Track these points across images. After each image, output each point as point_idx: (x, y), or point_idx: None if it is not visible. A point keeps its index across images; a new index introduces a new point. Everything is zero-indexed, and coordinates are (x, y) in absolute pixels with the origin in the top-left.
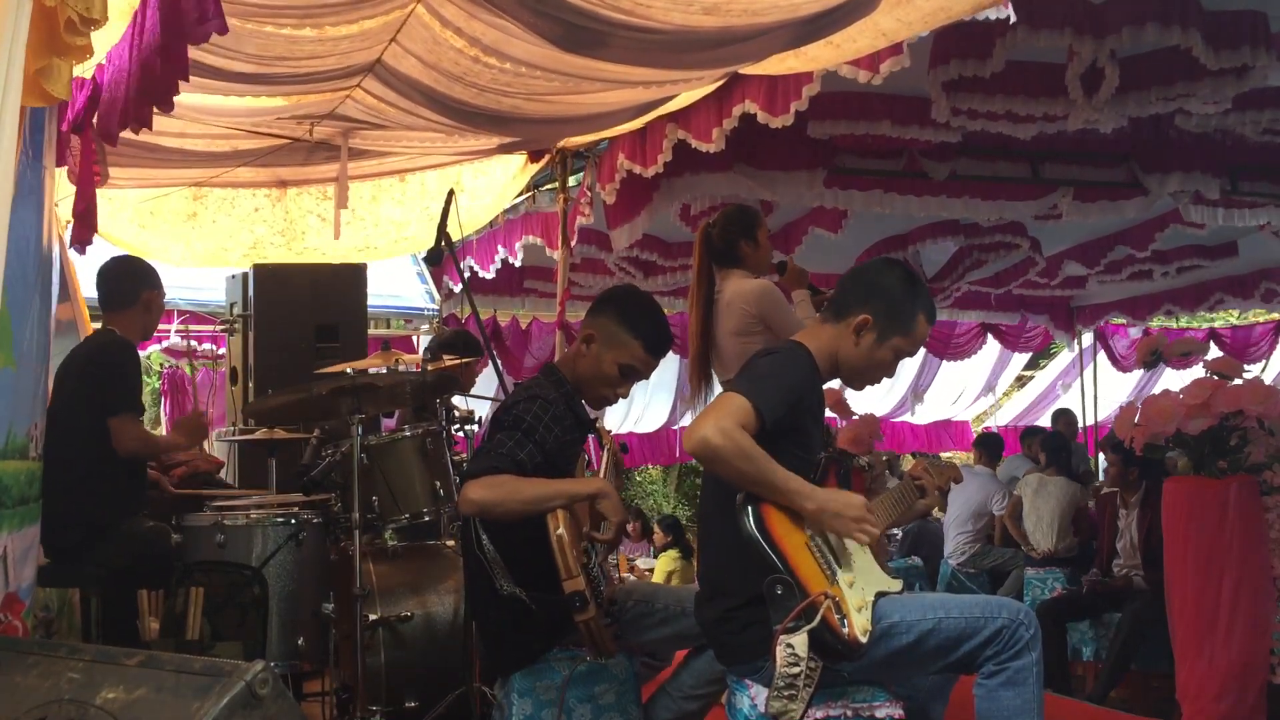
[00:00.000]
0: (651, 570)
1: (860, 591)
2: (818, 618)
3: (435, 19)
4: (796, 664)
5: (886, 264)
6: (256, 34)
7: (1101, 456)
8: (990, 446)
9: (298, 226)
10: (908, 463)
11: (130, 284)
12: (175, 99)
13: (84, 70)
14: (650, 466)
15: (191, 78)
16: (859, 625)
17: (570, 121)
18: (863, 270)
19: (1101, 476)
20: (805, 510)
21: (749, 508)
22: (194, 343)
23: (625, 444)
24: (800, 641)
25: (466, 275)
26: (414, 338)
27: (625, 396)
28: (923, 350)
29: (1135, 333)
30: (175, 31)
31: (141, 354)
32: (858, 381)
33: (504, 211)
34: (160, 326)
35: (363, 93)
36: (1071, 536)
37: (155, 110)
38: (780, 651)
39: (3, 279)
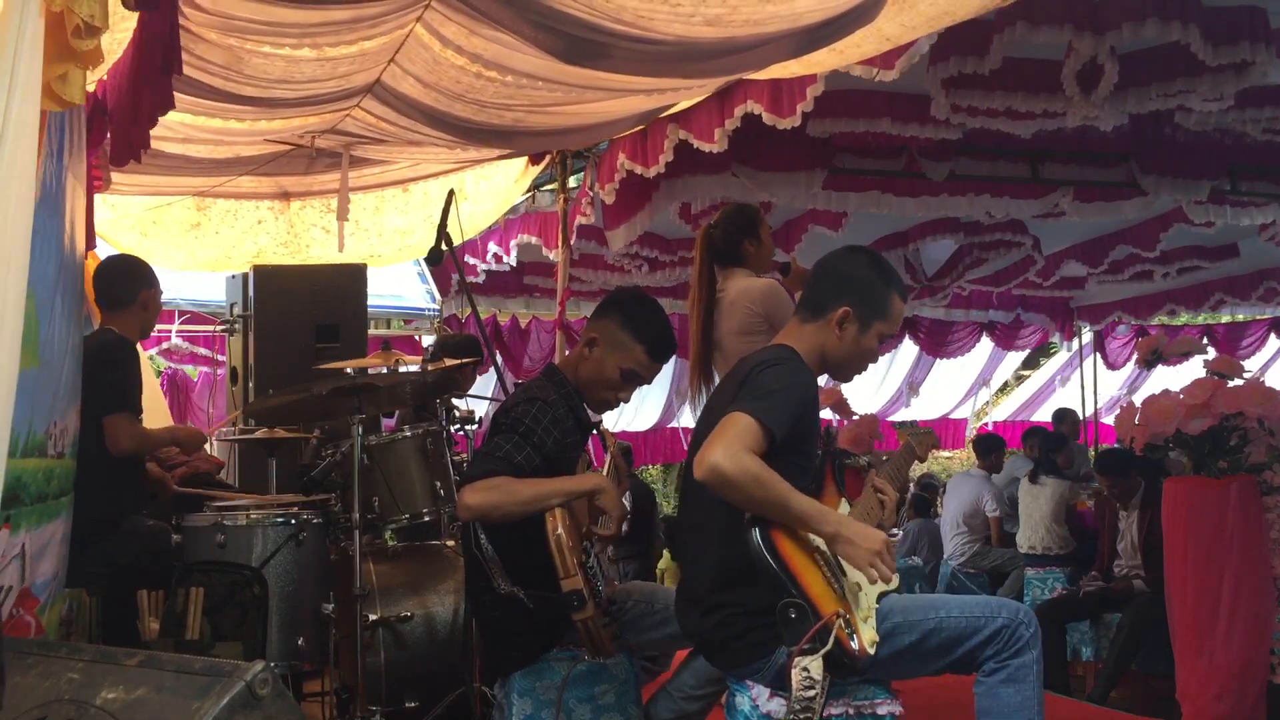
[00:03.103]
0: None
1: (866, 598)
2: (831, 639)
3: (435, 38)
4: (812, 687)
5: (850, 252)
6: (256, 54)
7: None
8: (988, 447)
9: (302, 239)
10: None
11: (128, 283)
12: (179, 121)
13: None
14: (650, 466)
15: (193, 98)
16: (867, 638)
17: (572, 131)
18: (829, 264)
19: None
20: (823, 534)
21: (755, 526)
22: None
23: (629, 445)
24: (816, 666)
25: (467, 274)
26: (417, 337)
27: (626, 401)
28: (917, 348)
29: (1124, 330)
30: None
31: (143, 355)
32: (845, 373)
33: (504, 212)
34: (161, 327)
35: (362, 111)
36: (1066, 535)
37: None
38: (796, 676)
39: (27, 279)
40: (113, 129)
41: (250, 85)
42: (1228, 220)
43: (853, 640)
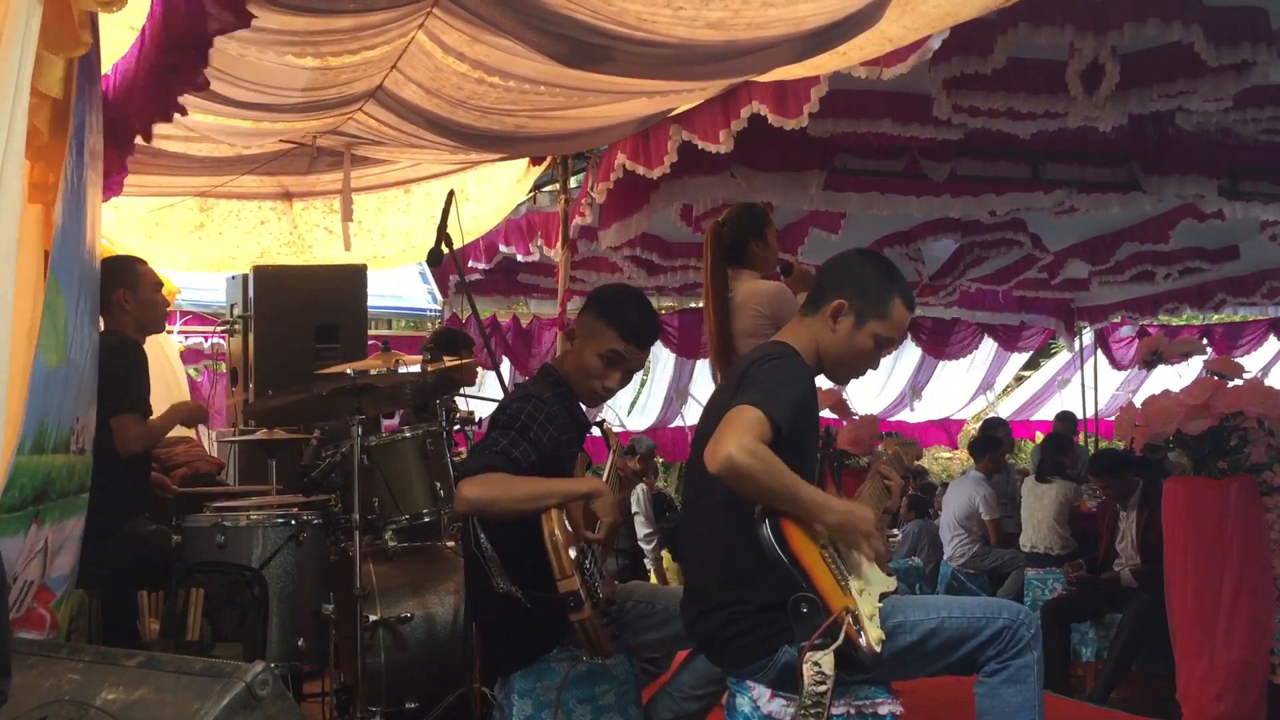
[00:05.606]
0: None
1: (870, 598)
2: (841, 635)
3: (437, 46)
4: (823, 682)
5: (858, 253)
6: (258, 61)
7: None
8: (983, 449)
9: (305, 240)
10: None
11: (102, 288)
12: (179, 117)
13: None
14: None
15: (193, 100)
16: (874, 636)
17: (576, 135)
18: (835, 261)
19: None
20: (828, 524)
21: (767, 521)
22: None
23: (630, 445)
24: (828, 661)
25: (467, 275)
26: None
27: (615, 387)
28: (920, 350)
29: (1127, 330)
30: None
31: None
32: (841, 373)
33: (506, 213)
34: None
35: (365, 115)
36: (1067, 535)
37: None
38: (808, 670)
39: (46, 274)
40: (116, 123)
41: (251, 90)
42: (1236, 215)
43: (861, 637)
